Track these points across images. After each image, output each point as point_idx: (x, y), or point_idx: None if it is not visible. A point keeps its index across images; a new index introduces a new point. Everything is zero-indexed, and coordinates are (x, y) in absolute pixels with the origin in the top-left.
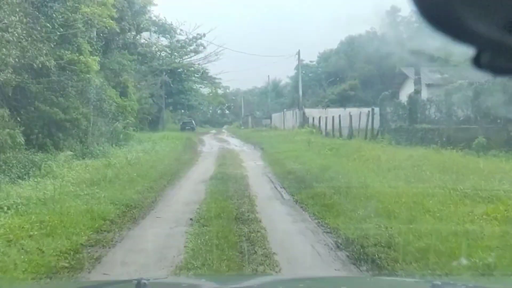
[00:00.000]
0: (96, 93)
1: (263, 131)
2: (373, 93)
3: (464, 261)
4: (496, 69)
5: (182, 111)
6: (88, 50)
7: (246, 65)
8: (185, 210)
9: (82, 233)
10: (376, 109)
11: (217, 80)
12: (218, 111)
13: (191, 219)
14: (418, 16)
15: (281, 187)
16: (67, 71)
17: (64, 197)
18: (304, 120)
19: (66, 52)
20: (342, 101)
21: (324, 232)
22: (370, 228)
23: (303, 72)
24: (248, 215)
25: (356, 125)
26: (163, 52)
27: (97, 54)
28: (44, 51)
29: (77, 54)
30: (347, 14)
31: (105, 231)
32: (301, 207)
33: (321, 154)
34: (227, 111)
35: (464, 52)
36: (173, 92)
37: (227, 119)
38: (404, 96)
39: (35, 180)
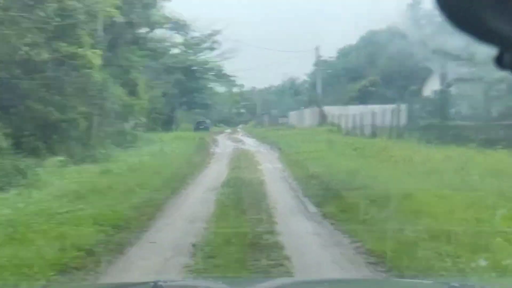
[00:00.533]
0: (98, 91)
1: (280, 130)
2: (395, 90)
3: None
4: None
5: (198, 110)
6: (89, 43)
7: (262, 62)
8: (188, 231)
9: (38, 275)
10: (402, 106)
11: (232, 78)
12: (234, 110)
13: (193, 245)
14: (440, 15)
15: (304, 196)
16: (65, 66)
17: (33, 218)
18: (323, 118)
19: (63, 44)
20: (363, 98)
21: (368, 263)
22: (431, 258)
23: (322, 68)
24: (267, 239)
25: (379, 123)
26: (177, 49)
27: (100, 47)
28: (33, 41)
29: (76, 47)
30: (367, 9)
31: (75, 268)
32: (332, 223)
33: (345, 154)
34: (242, 110)
35: (486, 51)
36: (187, 91)
37: (242, 118)
38: (428, 92)
39: (17, 191)
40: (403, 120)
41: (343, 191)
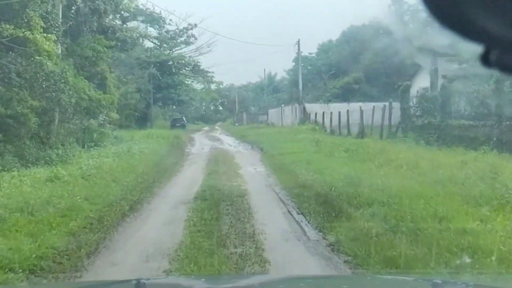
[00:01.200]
0: (54, 83)
1: (260, 128)
2: (380, 87)
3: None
4: (505, 67)
5: (174, 107)
6: (41, 27)
7: (240, 57)
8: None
9: None
10: (393, 103)
11: (210, 74)
12: (211, 108)
13: None
14: (426, 12)
15: (298, 213)
16: (11, 52)
17: None
18: (305, 116)
19: (8, 26)
20: (346, 95)
21: None
22: None
23: (302, 64)
24: None
25: (366, 121)
26: (150, 43)
27: (55, 33)
28: None
29: (24, 31)
30: (349, 3)
31: None
32: (346, 261)
33: (335, 157)
34: (220, 108)
35: (472, 49)
36: (162, 87)
37: (220, 116)
38: (416, 89)
39: None
40: (394, 118)
41: (348, 208)
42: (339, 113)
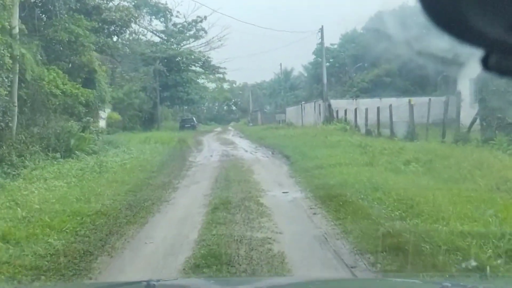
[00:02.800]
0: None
1: (279, 129)
2: (415, 79)
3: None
4: (504, 71)
5: (185, 107)
6: None
7: (254, 50)
8: None
9: None
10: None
11: (221, 70)
12: (225, 108)
13: None
14: (425, 16)
15: None
16: None
17: None
18: (330, 114)
19: None
20: (376, 89)
21: None
22: None
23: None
24: None
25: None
26: (155, 37)
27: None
28: None
29: None
30: None
31: None
32: None
33: (405, 172)
34: (234, 107)
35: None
36: (170, 84)
37: (234, 116)
38: (465, 80)
39: None
40: (451, 115)
41: None
42: (378, 109)
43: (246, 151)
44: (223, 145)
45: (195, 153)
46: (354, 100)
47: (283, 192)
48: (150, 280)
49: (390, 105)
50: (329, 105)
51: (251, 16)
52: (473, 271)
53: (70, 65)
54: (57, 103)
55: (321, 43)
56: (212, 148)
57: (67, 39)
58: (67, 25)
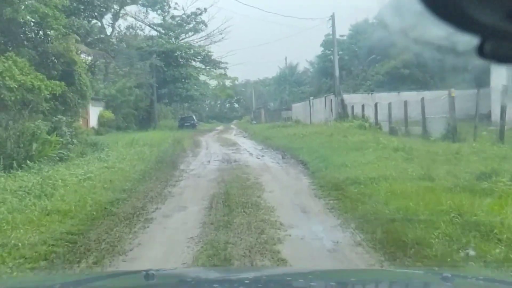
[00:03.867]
0: None
1: (287, 127)
2: (434, 71)
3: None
4: (500, 58)
5: (186, 104)
6: None
7: (257, 43)
8: None
9: None
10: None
11: (223, 65)
12: (227, 105)
13: None
14: (420, 4)
15: None
16: None
17: None
18: (344, 110)
19: None
20: (392, 83)
21: None
22: None
23: (330, 50)
24: None
25: (436, 114)
26: (151, 31)
27: None
28: None
29: None
30: None
31: None
32: None
33: (496, 192)
34: (236, 105)
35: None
36: (168, 80)
37: (236, 114)
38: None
39: None
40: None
41: None
42: (405, 103)
43: (251, 154)
44: (224, 147)
45: (190, 158)
46: (370, 94)
47: (309, 220)
48: (149, 269)
49: (422, 99)
50: (342, 100)
51: (255, 4)
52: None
53: (38, 54)
54: (12, 98)
55: (332, 32)
56: (211, 151)
57: (31, 21)
58: (30, 3)
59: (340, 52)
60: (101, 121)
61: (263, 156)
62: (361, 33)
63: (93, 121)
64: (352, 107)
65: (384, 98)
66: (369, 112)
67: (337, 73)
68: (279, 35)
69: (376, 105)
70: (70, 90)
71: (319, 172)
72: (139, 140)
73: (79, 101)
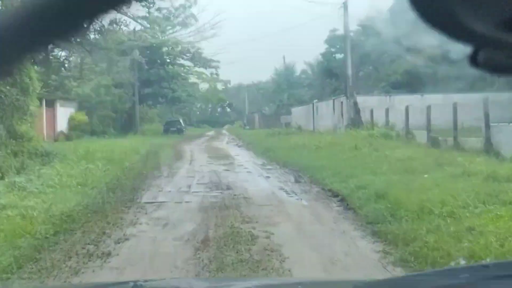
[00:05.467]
0: None
1: (290, 135)
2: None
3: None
4: (493, 67)
5: (174, 107)
6: None
7: (252, 38)
8: None
9: None
10: None
11: (214, 63)
12: (218, 109)
13: None
14: (412, 11)
15: None
16: None
17: None
18: (357, 115)
19: None
20: (413, 84)
21: None
22: None
23: (336, 47)
24: None
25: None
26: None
27: None
28: None
29: None
30: None
31: None
32: None
33: None
34: (228, 109)
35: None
36: (152, 80)
37: (228, 118)
38: None
39: None
40: None
41: None
42: (454, 106)
43: (250, 173)
44: (213, 161)
45: (163, 180)
46: (387, 96)
47: None
48: (137, 280)
49: (486, 99)
50: (356, 104)
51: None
52: None
53: None
54: None
55: (344, 21)
56: (195, 168)
57: None
58: None
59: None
60: (72, 125)
61: (268, 176)
62: (372, 28)
63: (62, 125)
64: (372, 110)
65: (405, 101)
66: (384, 117)
67: (349, 70)
68: (277, 28)
69: (407, 109)
70: (4, 83)
71: (383, 224)
72: (96, 152)
73: (17, 97)
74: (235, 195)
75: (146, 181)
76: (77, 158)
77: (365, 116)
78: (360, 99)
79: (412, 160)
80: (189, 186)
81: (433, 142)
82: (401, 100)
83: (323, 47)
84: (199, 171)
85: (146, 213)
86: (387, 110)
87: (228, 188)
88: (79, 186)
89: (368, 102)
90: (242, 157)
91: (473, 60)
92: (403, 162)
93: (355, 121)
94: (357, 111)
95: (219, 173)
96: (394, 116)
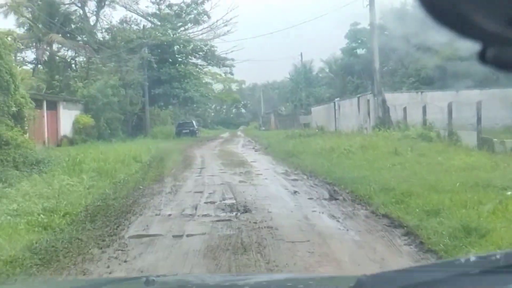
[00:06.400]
0: None
1: (311, 137)
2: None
3: None
4: (502, 64)
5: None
6: None
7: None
8: None
9: None
10: None
11: (228, 62)
12: (233, 110)
13: None
14: (421, 10)
15: None
16: None
17: None
18: (386, 114)
19: None
20: (445, 79)
21: None
22: None
23: (358, 42)
24: None
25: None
26: (145, 20)
27: None
28: None
29: None
30: None
31: None
32: None
33: None
34: (243, 110)
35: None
36: (163, 79)
37: (243, 119)
38: None
39: None
40: None
41: None
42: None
43: (271, 184)
44: (226, 169)
45: (163, 198)
46: (419, 93)
47: None
48: (149, 275)
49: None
50: (384, 101)
51: None
52: None
53: None
54: None
55: (370, 5)
56: (205, 180)
57: None
58: None
59: (368, 45)
60: (77, 128)
61: (295, 193)
62: (397, 19)
63: (66, 128)
64: (405, 109)
65: (438, 97)
66: (417, 116)
67: (377, 64)
68: (293, 23)
69: (450, 106)
70: None
71: None
72: (99, 157)
73: None
74: (255, 223)
75: (141, 200)
76: (67, 168)
77: (396, 115)
78: (388, 96)
79: (477, 169)
80: (195, 207)
81: (486, 144)
82: (434, 97)
83: (343, 42)
84: (210, 184)
85: (126, 260)
86: (424, 108)
87: (246, 210)
88: (43, 215)
89: (398, 99)
90: (260, 163)
91: (482, 57)
92: (467, 172)
93: (384, 121)
94: (386, 109)
95: (233, 187)
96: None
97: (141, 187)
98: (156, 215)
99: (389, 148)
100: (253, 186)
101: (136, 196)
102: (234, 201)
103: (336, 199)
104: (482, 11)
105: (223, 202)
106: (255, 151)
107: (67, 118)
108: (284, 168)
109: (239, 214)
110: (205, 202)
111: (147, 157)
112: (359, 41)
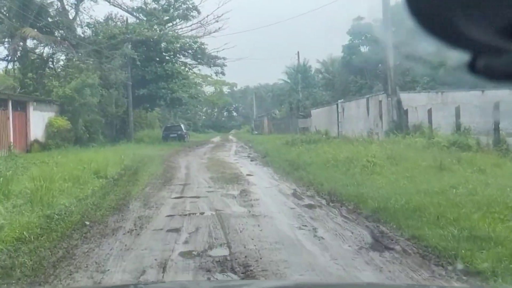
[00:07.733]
0: None
1: (317, 143)
2: None
3: None
4: (491, 75)
5: (176, 110)
6: None
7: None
8: None
9: None
10: None
11: (219, 60)
12: (225, 113)
13: None
14: (411, 19)
15: None
16: None
17: None
18: (402, 117)
19: None
20: (465, 77)
21: None
22: None
23: (361, 39)
24: None
25: None
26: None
27: None
28: None
29: None
30: None
31: None
32: None
33: None
34: (234, 113)
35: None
36: (148, 79)
37: (235, 122)
38: None
39: None
40: None
41: None
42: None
43: (280, 216)
44: (216, 188)
45: (112, 246)
46: (439, 93)
47: None
48: (137, 283)
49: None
50: (399, 103)
51: None
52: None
53: None
54: None
55: (384, 3)
56: (185, 208)
57: None
58: None
59: (373, 41)
60: (50, 132)
61: (320, 235)
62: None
63: (38, 132)
64: (429, 110)
65: (462, 98)
66: (439, 119)
67: (391, 61)
68: (288, 16)
69: (497, 105)
70: None
71: None
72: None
73: None
74: None
75: (78, 250)
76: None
77: (414, 118)
78: (403, 96)
79: None
80: (163, 267)
81: None
82: (456, 98)
83: (345, 39)
84: (192, 214)
85: None
86: (457, 109)
87: (248, 274)
88: None
89: (414, 100)
90: (259, 178)
91: (471, 67)
92: None
93: (400, 125)
94: (402, 112)
95: (226, 220)
96: (449, 118)
97: (87, 222)
98: (93, 282)
99: (425, 160)
100: (254, 218)
101: (73, 241)
102: (227, 252)
103: (390, 249)
104: (472, 21)
105: (209, 253)
106: (251, 160)
107: (39, 120)
108: (291, 186)
109: (235, 284)
110: (180, 254)
111: (117, 169)
112: (363, 38)
